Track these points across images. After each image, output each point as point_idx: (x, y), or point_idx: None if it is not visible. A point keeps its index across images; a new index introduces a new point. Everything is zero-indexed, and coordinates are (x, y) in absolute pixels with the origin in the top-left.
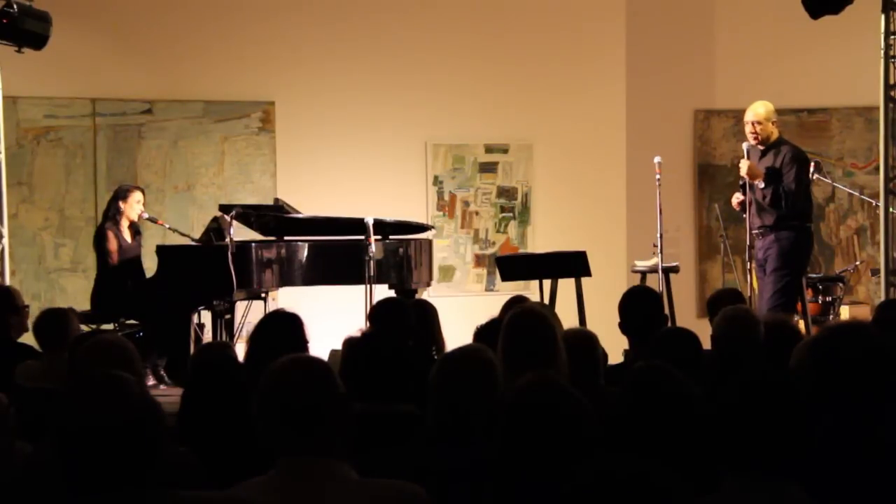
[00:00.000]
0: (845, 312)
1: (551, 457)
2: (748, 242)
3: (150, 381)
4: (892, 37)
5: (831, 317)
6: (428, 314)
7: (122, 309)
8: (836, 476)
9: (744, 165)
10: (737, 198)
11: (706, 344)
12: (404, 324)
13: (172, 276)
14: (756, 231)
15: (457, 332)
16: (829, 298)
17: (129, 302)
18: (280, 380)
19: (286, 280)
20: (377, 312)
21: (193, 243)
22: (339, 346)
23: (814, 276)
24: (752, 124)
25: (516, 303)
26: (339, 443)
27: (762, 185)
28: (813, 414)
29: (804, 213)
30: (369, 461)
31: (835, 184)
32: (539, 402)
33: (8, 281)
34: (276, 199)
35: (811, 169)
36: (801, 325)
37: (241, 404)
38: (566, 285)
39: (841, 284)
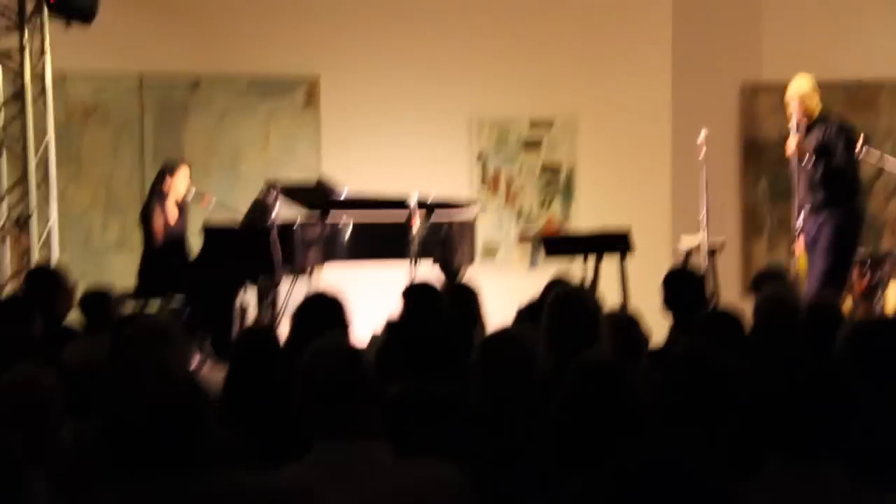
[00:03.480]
0: (893, 289)
1: (605, 435)
2: (795, 220)
3: (196, 359)
4: None
5: (878, 295)
6: (470, 298)
7: (167, 286)
8: (878, 459)
9: (792, 142)
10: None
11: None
12: (437, 304)
13: (218, 254)
14: (807, 209)
15: (500, 310)
16: (876, 276)
17: (175, 279)
18: (309, 364)
19: (330, 256)
20: (410, 293)
21: (238, 221)
22: (380, 330)
23: (861, 254)
24: (799, 100)
25: (558, 283)
26: (371, 425)
27: (812, 160)
28: (855, 396)
29: (855, 188)
30: (410, 442)
31: (884, 157)
32: (598, 381)
33: (56, 258)
34: (321, 176)
35: (860, 142)
36: (849, 303)
37: (283, 387)
38: (610, 262)
39: (889, 263)
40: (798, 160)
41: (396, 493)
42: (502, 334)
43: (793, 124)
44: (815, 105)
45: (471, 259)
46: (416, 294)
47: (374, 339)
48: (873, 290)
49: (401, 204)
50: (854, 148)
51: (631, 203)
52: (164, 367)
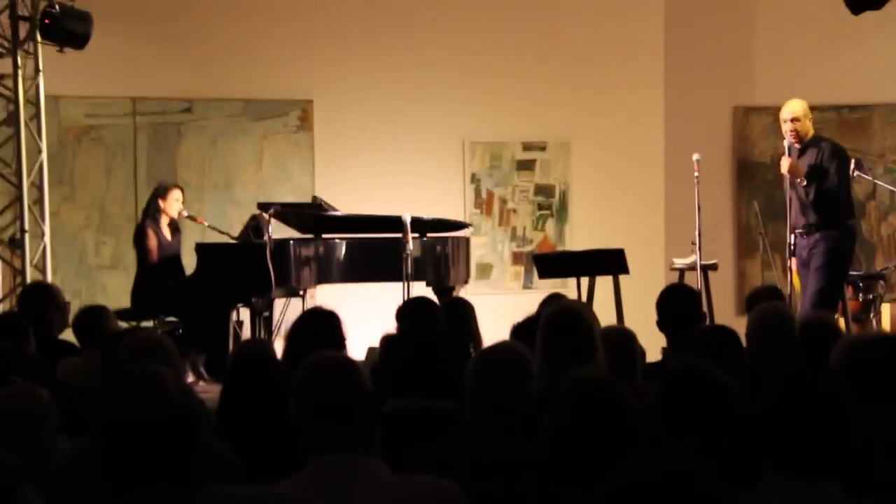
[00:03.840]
0: (886, 310)
1: (598, 452)
2: (788, 240)
3: (190, 378)
4: None
5: (872, 315)
6: (465, 312)
7: (161, 306)
8: (876, 474)
9: (785, 163)
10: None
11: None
12: (433, 322)
13: (211, 273)
14: (799, 230)
15: (494, 330)
16: (869, 296)
17: (169, 299)
18: (306, 379)
19: (324, 277)
20: (406, 311)
21: (232, 241)
22: (376, 344)
23: (854, 273)
24: (791, 121)
25: (553, 300)
26: (369, 440)
27: (804, 182)
28: (851, 411)
29: (847, 210)
30: (406, 457)
31: (876, 181)
32: (590, 398)
33: (49, 278)
34: (315, 198)
35: (852, 165)
36: (842, 322)
37: (279, 401)
38: (604, 283)
39: (882, 282)
40: (791, 182)
41: None
42: (497, 348)
43: (786, 145)
44: (809, 128)
45: (465, 279)
46: (412, 310)
47: (370, 352)
48: (866, 310)
49: (394, 223)
50: (847, 170)
51: (625, 224)
52: (159, 381)
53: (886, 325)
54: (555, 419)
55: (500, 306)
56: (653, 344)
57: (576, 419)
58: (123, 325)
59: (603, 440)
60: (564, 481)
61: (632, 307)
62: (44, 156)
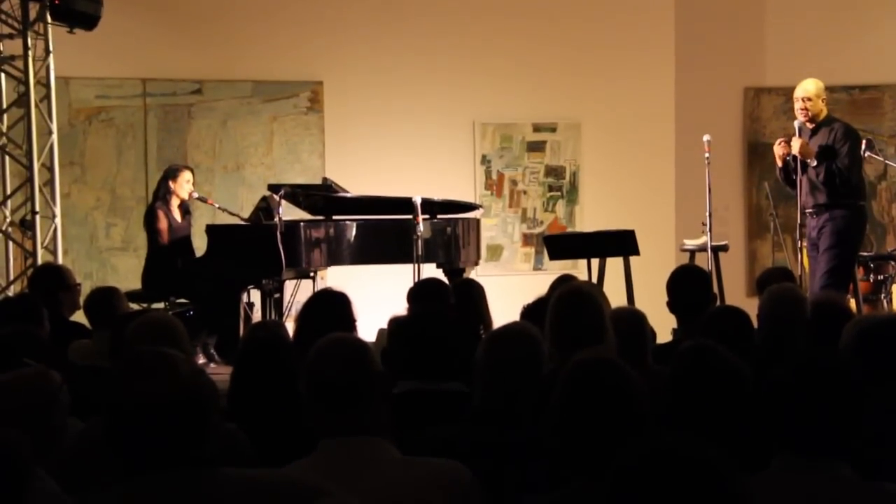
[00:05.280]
0: None
1: (603, 435)
2: (799, 221)
3: (201, 360)
4: None
5: (882, 295)
6: (475, 293)
7: (172, 288)
8: (885, 456)
9: (795, 143)
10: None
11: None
12: (444, 303)
13: (222, 255)
14: (809, 210)
15: (504, 311)
16: (880, 277)
17: (179, 281)
18: (316, 361)
19: (335, 259)
20: (417, 293)
21: (243, 223)
22: (385, 325)
23: (865, 254)
24: (803, 100)
25: (564, 281)
26: (379, 421)
27: (815, 163)
28: (863, 393)
29: (858, 191)
30: (416, 439)
31: (887, 161)
32: (594, 380)
33: (60, 260)
34: (325, 179)
35: (863, 146)
36: (853, 303)
37: (289, 383)
38: (614, 264)
39: (893, 263)
40: (802, 162)
41: (402, 490)
42: (508, 330)
43: (796, 126)
44: (821, 108)
45: (475, 261)
46: (422, 291)
47: (381, 333)
48: (877, 291)
49: (405, 205)
50: (858, 151)
51: (635, 205)
52: (170, 362)
53: None
54: (559, 400)
55: (510, 288)
56: (663, 325)
57: (580, 400)
58: (134, 306)
59: (607, 421)
60: (570, 463)
61: (642, 288)
62: (54, 137)
